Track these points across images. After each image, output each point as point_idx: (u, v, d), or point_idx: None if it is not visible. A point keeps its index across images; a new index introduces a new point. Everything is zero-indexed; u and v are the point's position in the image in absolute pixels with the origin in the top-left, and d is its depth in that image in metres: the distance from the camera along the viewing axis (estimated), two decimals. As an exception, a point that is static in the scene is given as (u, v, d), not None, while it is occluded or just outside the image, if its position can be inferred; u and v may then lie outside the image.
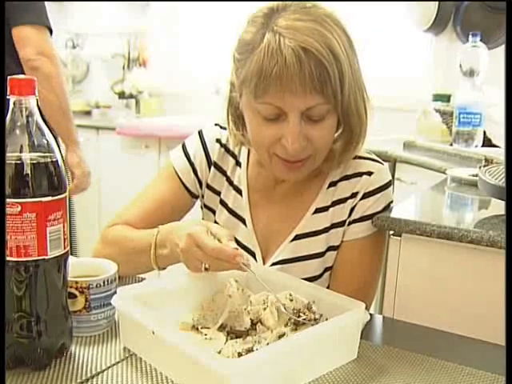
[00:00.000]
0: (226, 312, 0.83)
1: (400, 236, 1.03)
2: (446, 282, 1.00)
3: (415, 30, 2.93)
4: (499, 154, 1.79)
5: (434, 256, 1.01)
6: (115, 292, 0.85)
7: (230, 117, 1.06)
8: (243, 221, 1.10)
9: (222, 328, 0.83)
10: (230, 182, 1.12)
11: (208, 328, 0.83)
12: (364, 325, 0.82)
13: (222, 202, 1.13)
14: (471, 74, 2.09)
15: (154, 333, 0.72)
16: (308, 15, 0.91)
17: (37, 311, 0.73)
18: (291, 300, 0.83)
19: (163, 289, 0.86)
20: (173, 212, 0.99)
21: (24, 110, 0.71)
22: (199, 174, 1.13)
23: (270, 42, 0.89)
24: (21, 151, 0.70)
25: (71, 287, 0.82)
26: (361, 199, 1.04)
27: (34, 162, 0.70)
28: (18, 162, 0.70)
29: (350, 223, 1.04)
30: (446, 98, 2.61)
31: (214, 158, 1.12)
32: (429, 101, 2.64)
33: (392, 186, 1.07)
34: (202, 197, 1.16)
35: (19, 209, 0.69)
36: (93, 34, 3.89)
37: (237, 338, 0.80)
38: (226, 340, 0.80)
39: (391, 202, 1.07)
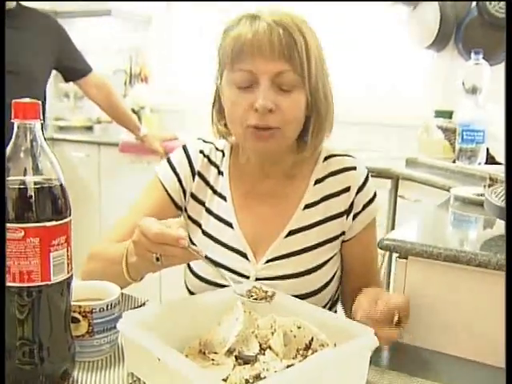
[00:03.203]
0: (234, 336, 0.81)
1: (406, 258, 1.02)
2: (453, 305, 0.99)
3: (417, 46, 2.94)
4: (503, 171, 1.78)
5: (440, 279, 1.00)
6: (118, 316, 0.84)
7: (214, 109, 1.14)
8: (230, 225, 1.13)
9: (229, 353, 0.81)
10: (214, 191, 1.16)
11: (215, 353, 0.82)
12: (372, 351, 0.81)
13: (208, 210, 1.15)
14: (474, 91, 2.10)
15: (159, 359, 0.71)
16: (284, 12, 1.03)
17: (39, 337, 0.72)
18: (299, 327, 0.81)
19: (169, 312, 0.85)
20: None
21: (28, 133, 0.71)
22: (184, 183, 1.16)
23: (247, 20, 1.02)
24: (24, 175, 0.70)
25: (74, 311, 0.81)
26: (357, 193, 1.12)
27: (38, 186, 0.70)
28: (22, 186, 0.69)
29: (354, 217, 1.12)
30: (448, 115, 2.61)
31: (197, 167, 1.17)
32: (431, 117, 2.64)
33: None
34: (186, 209, 1.18)
35: (22, 234, 0.69)
36: (94, 51, 3.90)
37: (245, 363, 0.79)
38: (234, 366, 0.78)
39: (375, 190, 1.16)
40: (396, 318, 0.88)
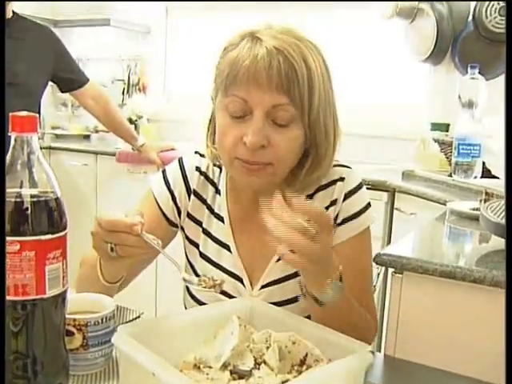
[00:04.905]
0: (229, 350, 0.81)
1: (402, 274, 1.02)
2: (449, 321, 0.99)
3: (414, 60, 2.96)
4: (499, 186, 1.79)
5: (436, 294, 1.00)
6: (113, 329, 0.83)
7: (209, 131, 1.09)
8: (227, 247, 1.10)
9: (224, 367, 0.81)
10: (211, 211, 1.12)
11: (210, 367, 0.81)
12: (368, 367, 0.81)
13: (205, 231, 1.12)
14: (470, 105, 2.11)
15: (154, 374, 0.70)
16: (291, 33, 0.95)
17: (33, 351, 0.72)
18: (294, 343, 0.81)
19: (164, 326, 0.85)
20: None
21: (25, 146, 0.71)
22: (178, 202, 1.12)
23: (248, 42, 0.94)
24: (21, 188, 0.70)
25: (69, 324, 0.80)
26: (343, 202, 1.06)
27: (34, 199, 0.70)
28: (18, 198, 0.69)
29: (339, 225, 1.06)
30: (445, 127, 2.62)
31: (193, 186, 1.12)
32: (427, 130, 2.65)
33: (364, 187, 1.10)
34: (182, 228, 1.15)
35: (18, 247, 0.68)
36: (93, 60, 3.91)
37: (240, 378, 0.78)
38: (229, 380, 0.78)
39: (369, 202, 1.09)
40: (311, 227, 0.77)
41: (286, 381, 0.76)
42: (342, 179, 1.08)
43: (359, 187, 1.09)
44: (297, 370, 0.80)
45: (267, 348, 0.82)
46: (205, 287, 0.87)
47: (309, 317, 1.03)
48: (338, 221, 1.07)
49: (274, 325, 0.85)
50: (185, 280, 0.89)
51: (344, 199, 1.07)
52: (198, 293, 1.12)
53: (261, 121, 0.93)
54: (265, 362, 0.81)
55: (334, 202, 1.07)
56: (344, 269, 1.02)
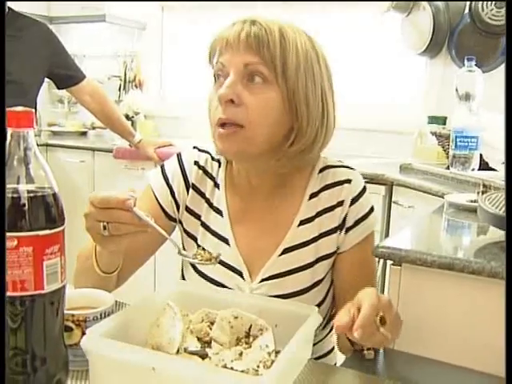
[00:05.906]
0: (179, 334, 0.80)
1: (400, 266, 1.03)
2: (447, 312, 0.99)
3: (411, 53, 2.95)
4: (497, 177, 1.79)
5: (434, 286, 1.00)
6: (112, 324, 0.83)
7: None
8: (226, 241, 1.10)
9: (177, 352, 0.80)
10: (210, 204, 1.12)
11: (168, 353, 0.80)
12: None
13: (204, 225, 1.12)
14: (467, 98, 2.11)
15: (154, 369, 0.69)
16: (284, 21, 0.99)
17: (32, 347, 0.71)
18: (236, 317, 0.83)
19: (125, 321, 0.82)
20: (151, 236, 0.95)
21: (22, 142, 0.70)
22: (177, 196, 1.13)
23: (234, 22, 0.99)
24: (18, 184, 0.69)
25: (67, 320, 0.81)
26: (350, 206, 1.07)
27: (31, 194, 0.69)
28: (15, 194, 0.69)
29: (347, 231, 1.08)
30: (442, 121, 2.62)
31: (192, 180, 1.13)
32: (425, 123, 2.65)
33: (367, 190, 1.13)
34: (181, 222, 1.15)
35: (15, 243, 0.68)
36: (89, 56, 3.90)
37: (202, 359, 0.79)
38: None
39: (373, 206, 1.11)
40: (378, 320, 0.81)
41: (241, 353, 0.78)
42: (348, 181, 1.09)
43: (364, 190, 1.10)
44: (245, 341, 0.83)
45: (209, 327, 0.84)
46: (201, 260, 0.88)
47: None
48: (349, 224, 1.08)
49: (208, 304, 0.88)
50: (181, 254, 0.89)
51: (352, 203, 1.08)
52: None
53: (234, 79, 0.96)
54: (213, 340, 0.82)
55: (340, 203, 1.08)
56: (354, 271, 1.08)
